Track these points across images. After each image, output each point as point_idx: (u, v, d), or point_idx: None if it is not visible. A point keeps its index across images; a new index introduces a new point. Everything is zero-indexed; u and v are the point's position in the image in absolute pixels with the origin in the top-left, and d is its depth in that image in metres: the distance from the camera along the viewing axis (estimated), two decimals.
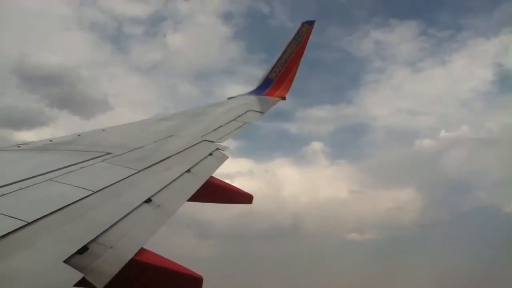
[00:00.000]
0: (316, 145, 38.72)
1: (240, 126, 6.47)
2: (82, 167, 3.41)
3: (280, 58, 9.66)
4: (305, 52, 9.59)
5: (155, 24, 49.43)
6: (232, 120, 6.63)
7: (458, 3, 47.33)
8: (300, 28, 9.56)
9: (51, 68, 35.93)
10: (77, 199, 2.70)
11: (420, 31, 47.19)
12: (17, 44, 37.96)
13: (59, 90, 38.26)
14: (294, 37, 9.57)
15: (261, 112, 7.79)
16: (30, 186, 2.76)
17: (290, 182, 36.57)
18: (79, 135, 4.89)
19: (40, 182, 2.86)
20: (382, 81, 45.42)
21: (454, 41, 47.07)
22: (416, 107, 44.97)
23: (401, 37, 47.47)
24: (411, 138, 43.33)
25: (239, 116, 6.96)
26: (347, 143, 45.41)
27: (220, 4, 47.62)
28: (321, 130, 45.82)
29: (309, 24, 9.55)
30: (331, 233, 32.55)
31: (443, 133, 39.21)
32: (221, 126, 6.18)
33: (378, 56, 46.38)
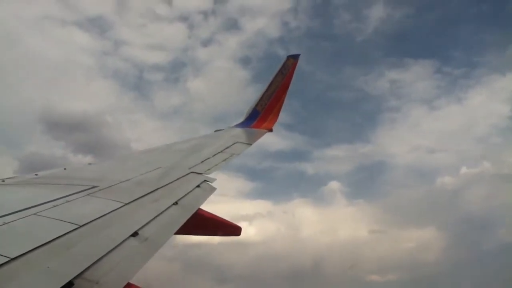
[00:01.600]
0: (334, 185, 38.43)
1: (227, 158, 6.52)
2: (67, 201, 3.37)
3: (266, 91, 9.89)
4: (291, 85, 9.87)
5: (175, 71, 50.24)
6: (219, 152, 6.68)
7: (472, 40, 47.44)
8: (285, 62, 9.87)
9: (76, 115, 36.14)
10: (62, 233, 2.65)
11: (435, 69, 47.55)
12: (44, 93, 38.99)
13: (84, 136, 38.16)
14: (280, 70, 9.85)
15: (249, 144, 7.88)
16: (15, 220, 2.71)
17: (309, 223, 36.01)
18: (65, 169, 4.85)
19: (25, 217, 2.82)
20: (398, 120, 45.20)
21: (469, 78, 46.65)
22: (434, 145, 44.13)
23: (416, 76, 47.16)
24: (430, 175, 43.11)
25: (227, 148, 7.03)
26: (365, 182, 44.13)
27: (238, 49, 48.33)
28: (338, 169, 45.39)
29: (294, 58, 9.88)
30: (351, 274, 31.43)
31: (464, 170, 38.31)
32: (209, 158, 6.22)
33: (393, 95, 46.32)
